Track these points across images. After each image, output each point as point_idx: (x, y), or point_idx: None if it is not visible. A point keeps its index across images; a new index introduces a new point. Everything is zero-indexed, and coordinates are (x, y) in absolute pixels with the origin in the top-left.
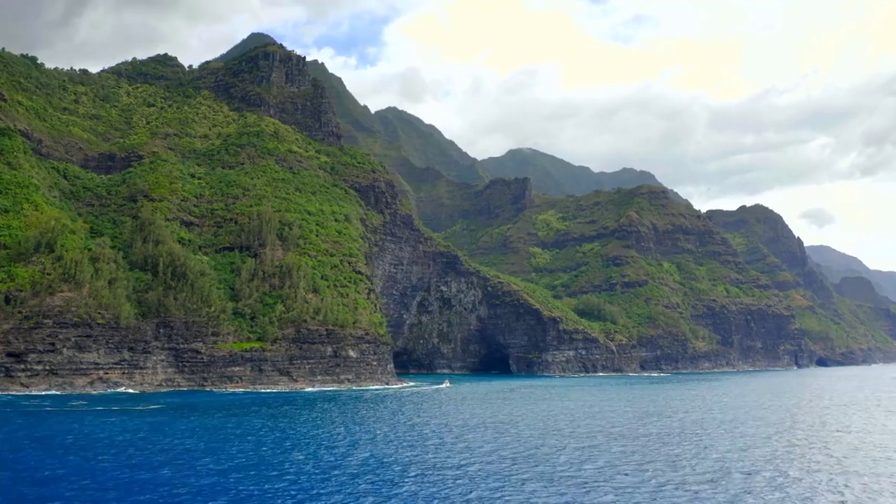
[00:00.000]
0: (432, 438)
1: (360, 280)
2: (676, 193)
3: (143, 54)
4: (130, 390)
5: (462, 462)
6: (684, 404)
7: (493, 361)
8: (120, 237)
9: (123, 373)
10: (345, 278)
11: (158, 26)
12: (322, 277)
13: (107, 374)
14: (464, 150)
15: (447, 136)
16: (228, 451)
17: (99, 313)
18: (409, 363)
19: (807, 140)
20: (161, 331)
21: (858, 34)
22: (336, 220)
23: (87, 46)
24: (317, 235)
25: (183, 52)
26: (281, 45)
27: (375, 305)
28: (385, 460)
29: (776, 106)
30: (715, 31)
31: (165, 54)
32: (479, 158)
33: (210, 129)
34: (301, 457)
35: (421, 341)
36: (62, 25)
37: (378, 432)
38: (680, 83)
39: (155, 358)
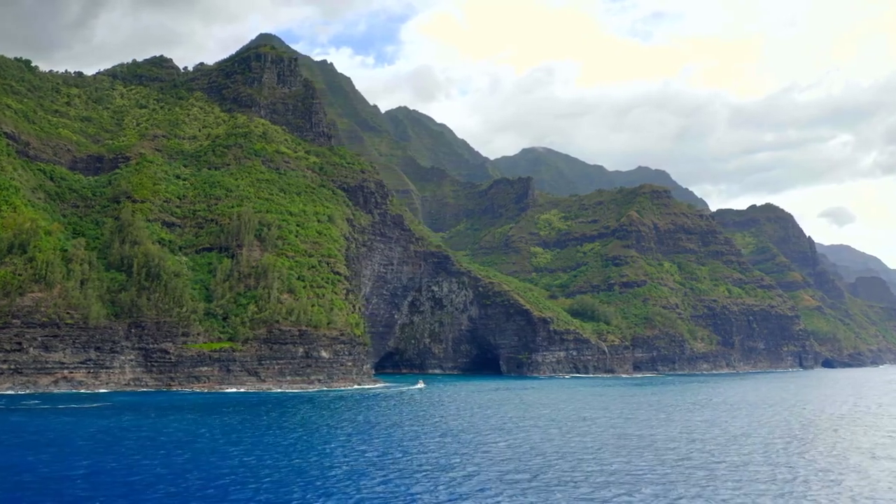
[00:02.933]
0: (331, 443)
1: (339, 281)
2: (691, 192)
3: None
4: (97, 390)
5: (325, 468)
6: (634, 411)
7: (484, 362)
8: (101, 238)
9: (89, 372)
10: (322, 279)
11: (174, 27)
12: (298, 278)
13: (71, 373)
14: (477, 149)
15: (462, 135)
16: (116, 452)
17: (68, 313)
18: (402, 363)
19: (828, 138)
20: (132, 331)
21: (879, 31)
22: (318, 221)
23: (105, 48)
24: (296, 236)
25: (198, 54)
26: (273, 46)
27: (354, 306)
28: (260, 467)
29: (797, 103)
30: (735, 28)
31: (161, 56)
32: (494, 157)
33: (200, 131)
34: (187, 462)
35: (412, 341)
36: (79, 27)
37: (287, 437)
38: (700, 80)
39: (123, 358)
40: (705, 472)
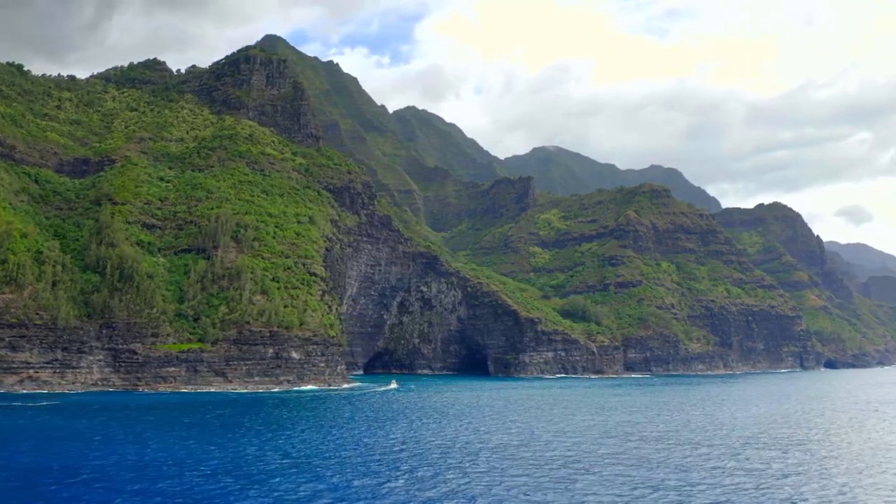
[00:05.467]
0: (222, 442)
1: (315, 282)
2: (703, 191)
3: (173, 57)
4: (62, 390)
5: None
6: (572, 413)
7: (473, 362)
8: (80, 240)
9: (55, 372)
10: (297, 280)
11: (187, 28)
12: (273, 279)
13: (37, 373)
14: (489, 148)
15: (474, 134)
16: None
17: (37, 314)
18: (391, 363)
19: (845, 136)
20: (103, 331)
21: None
22: (298, 222)
23: (118, 50)
24: (273, 237)
25: (211, 56)
26: (262, 48)
27: (330, 307)
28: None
29: (814, 101)
30: (751, 26)
31: (155, 59)
32: (505, 156)
33: (187, 133)
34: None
35: (402, 342)
36: (92, 29)
37: (190, 438)
38: (716, 78)
39: (91, 358)
40: (566, 474)
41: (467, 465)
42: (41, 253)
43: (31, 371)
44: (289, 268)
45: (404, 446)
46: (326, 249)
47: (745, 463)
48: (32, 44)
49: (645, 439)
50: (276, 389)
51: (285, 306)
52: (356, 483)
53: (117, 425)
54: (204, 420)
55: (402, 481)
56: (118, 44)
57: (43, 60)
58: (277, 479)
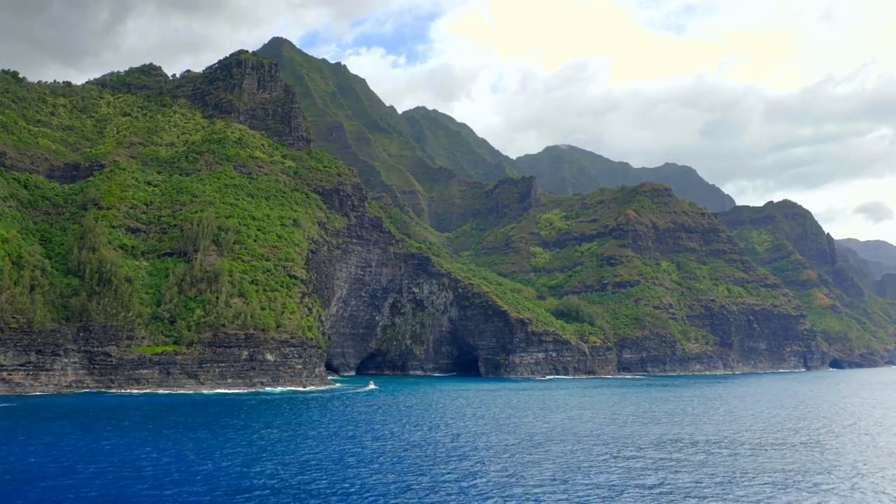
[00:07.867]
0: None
1: (294, 284)
2: (717, 188)
3: (186, 61)
4: (35, 392)
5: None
6: (523, 417)
7: (465, 363)
8: (65, 244)
9: (28, 374)
10: (276, 282)
11: (202, 31)
12: (252, 282)
13: (10, 375)
14: (499, 148)
15: (485, 134)
16: None
17: (14, 318)
18: (384, 364)
19: (865, 132)
20: (80, 334)
21: None
22: (282, 225)
23: (133, 54)
24: (254, 240)
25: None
26: (254, 53)
27: (310, 309)
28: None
29: (834, 97)
30: (770, 21)
31: (151, 64)
32: (518, 156)
33: (178, 137)
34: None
35: (394, 343)
36: (107, 34)
37: (114, 439)
38: (734, 74)
39: (65, 360)
40: (456, 476)
41: (366, 469)
42: (21, 257)
43: (5, 373)
44: (268, 270)
45: (318, 451)
46: (311, 252)
47: (650, 462)
48: (46, 49)
49: (557, 440)
50: (247, 391)
51: (262, 309)
52: (241, 491)
53: (45, 427)
54: (140, 422)
55: (291, 492)
56: (133, 48)
57: (58, 65)
58: (145, 486)
